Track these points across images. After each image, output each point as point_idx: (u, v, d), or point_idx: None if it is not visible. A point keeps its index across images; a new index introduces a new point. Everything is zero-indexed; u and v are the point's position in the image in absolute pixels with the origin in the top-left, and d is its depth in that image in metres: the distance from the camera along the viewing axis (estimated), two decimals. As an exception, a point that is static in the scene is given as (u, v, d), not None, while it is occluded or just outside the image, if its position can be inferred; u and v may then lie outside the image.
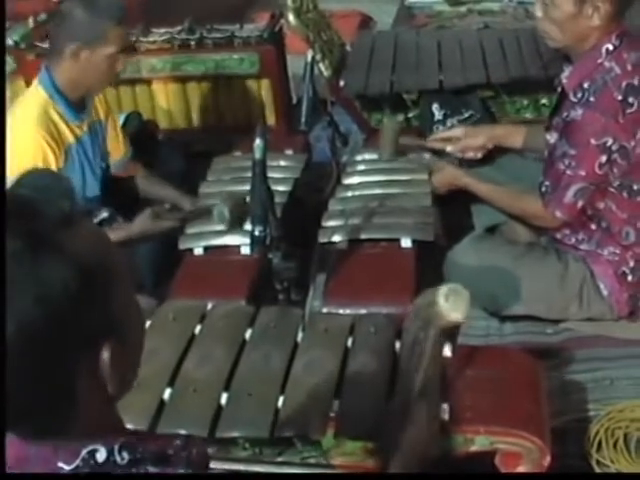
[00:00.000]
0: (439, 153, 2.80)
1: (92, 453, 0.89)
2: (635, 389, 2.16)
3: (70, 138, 2.56)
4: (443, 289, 1.49)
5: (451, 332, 1.53)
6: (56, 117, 2.50)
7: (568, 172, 2.23)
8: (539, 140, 2.53)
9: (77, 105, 2.57)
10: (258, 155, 1.99)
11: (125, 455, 0.90)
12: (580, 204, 2.27)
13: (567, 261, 2.37)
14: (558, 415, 2.04)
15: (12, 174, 2.54)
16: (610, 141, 2.16)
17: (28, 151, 2.40)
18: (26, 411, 0.88)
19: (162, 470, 0.92)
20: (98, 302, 0.88)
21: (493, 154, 2.78)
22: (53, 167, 2.44)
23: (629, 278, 2.33)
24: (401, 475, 1.46)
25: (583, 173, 2.21)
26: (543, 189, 2.32)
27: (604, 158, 2.18)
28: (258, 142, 1.99)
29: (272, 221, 2.07)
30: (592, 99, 2.18)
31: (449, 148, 2.75)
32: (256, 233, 2.04)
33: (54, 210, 0.87)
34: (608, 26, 2.18)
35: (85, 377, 0.89)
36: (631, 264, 2.33)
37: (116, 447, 0.90)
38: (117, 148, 2.82)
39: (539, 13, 2.25)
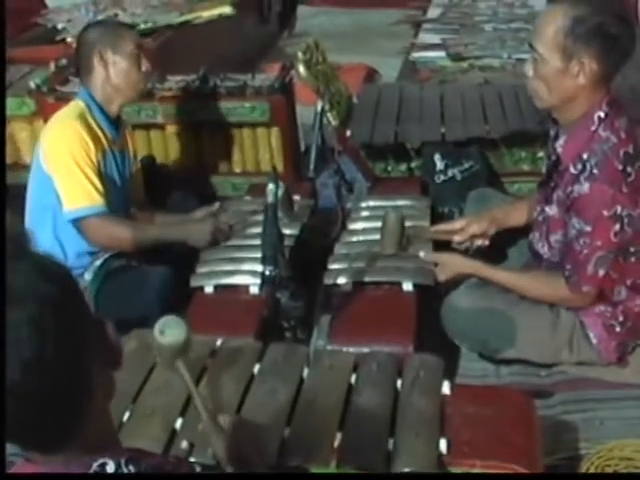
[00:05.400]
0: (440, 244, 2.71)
1: (102, 466, 0.99)
2: (624, 429, 2.24)
3: (106, 145, 2.73)
4: (157, 325, 1.53)
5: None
6: (92, 122, 2.69)
7: (585, 251, 2.24)
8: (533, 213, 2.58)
9: (112, 120, 2.77)
10: (270, 199, 2.12)
11: (131, 468, 1.00)
12: (602, 273, 2.27)
13: (558, 310, 2.45)
14: (551, 453, 2.12)
15: (53, 159, 2.71)
16: (619, 209, 2.20)
17: (67, 138, 2.61)
18: (40, 422, 0.96)
19: None
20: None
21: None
22: (92, 158, 2.62)
23: (617, 329, 2.42)
24: (400, 475, 1.54)
25: (599, 243, 2.23)
26: (567, 273, 2.32)
27: (618, 227, 2.21)
28: (271, 187, 2.12)
29: (281, 262, 2.19)
30: (596, 171, 2.20)
31: (457, 238, 2.65)
32: (267, 273, 2.16)
33: None
34: (595, 88, 2.24)
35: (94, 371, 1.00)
36: (620, 319, 2.41)
37: (123, 461, 1.00)
38: (136, 190, 2.99)
39: (530, 72, 2.31)
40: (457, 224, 2.70)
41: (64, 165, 2.61)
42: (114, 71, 2.70)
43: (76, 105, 2.71)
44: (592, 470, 2.09)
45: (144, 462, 1.01)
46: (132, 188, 2.93)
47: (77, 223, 2.63)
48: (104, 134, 2.72)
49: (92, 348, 1.01)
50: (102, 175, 2.68)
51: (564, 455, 2.17)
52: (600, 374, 2.45)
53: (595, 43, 2.18)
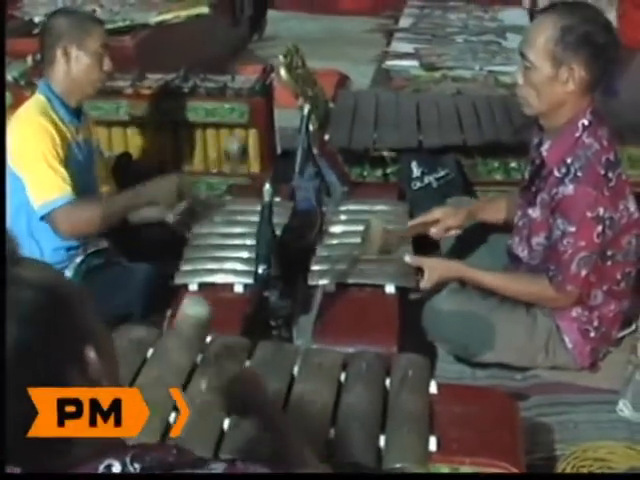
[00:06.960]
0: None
1: (108, 468, 1.00)
2: (597, 432, 2.33)
3: (70, 137, 2.70)
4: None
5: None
6: (55, 116, 2.66)
7: (569, 250, 2.32)
8: (509, 211, 2.69)
9: (74, 111, 2.75)
10: (267, 198, 2.16)
11: (137, 465, 1.00)
12: (584, 272, 2.35)
13: (535, 315, 2.52)
14: (528, 453, 2.18)
15: (22, 159, 2.64)
16: (602, 211, 2.30)
17: (33, 135, 2.58)
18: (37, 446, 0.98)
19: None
20: (71, 316, 1.03)
21: None
22: (59, 151, 2.59)
23: (592, 334, 2.50)
24: (400, 475, 1.58)
25: (583, 244, 2.32)
26: (551, 273, 2.39)
27: (600, 228, 2.30)
28: (267, 187, 2.15)
29: (273, 261, 2.23)
30: (580, 174, 2.30)
31: (433, 230, 2.70)
32: (260, 271, 2.19)
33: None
34: (582, 95, 2.35)
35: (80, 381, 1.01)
36: (595, 324, 2.50)
37: (127, 459, 1.01)
38: (106, 179, 2.97)
39: (520, 80, 2.40)
40: (435, 214, 2.72)
41: (33, 164, 2.57)
42: (76, 66, 2.67)
43: (37, 100, 2.69)
44: (568, 470, 2.17)
45: (148, 457, 1.02)
46: (99, 177, 2.91)
47: (48, 217, 2.60)
48: (67, 127, 2.70)
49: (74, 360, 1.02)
50: (69, 167, 2.64)
51: (541, 455, 2.25)
52: (573, 378, 2.53)
53: (583, 51, 2.29)
